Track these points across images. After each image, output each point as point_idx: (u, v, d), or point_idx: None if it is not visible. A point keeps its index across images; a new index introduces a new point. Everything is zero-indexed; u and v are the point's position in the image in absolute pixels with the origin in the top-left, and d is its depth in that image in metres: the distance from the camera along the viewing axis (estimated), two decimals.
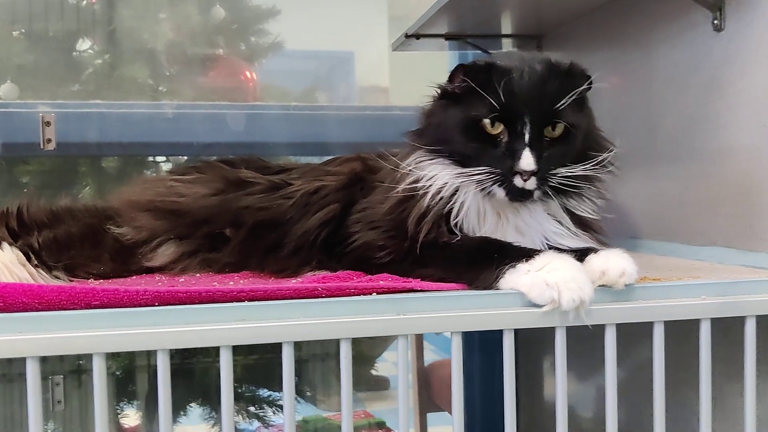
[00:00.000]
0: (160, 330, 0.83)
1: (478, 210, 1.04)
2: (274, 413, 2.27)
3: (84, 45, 2.25)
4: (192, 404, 2.18)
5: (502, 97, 0.98)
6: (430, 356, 2.68)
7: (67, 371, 1.93)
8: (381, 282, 0.95)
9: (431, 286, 0.95)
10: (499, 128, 1.00)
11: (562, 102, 1.00)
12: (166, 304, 0.85)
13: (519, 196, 1.00)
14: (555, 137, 1.01)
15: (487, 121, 1.00)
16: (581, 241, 1.06)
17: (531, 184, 0.99)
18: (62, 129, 1.82)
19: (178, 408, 2.20)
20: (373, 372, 3.42)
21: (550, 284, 0.88)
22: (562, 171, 1.01)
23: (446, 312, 0.90)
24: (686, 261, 1.25)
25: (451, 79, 1.05)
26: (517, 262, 0.92)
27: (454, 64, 2.12)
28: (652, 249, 1.39)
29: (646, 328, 0.96)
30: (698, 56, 1.27)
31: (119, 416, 2.18)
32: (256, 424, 2.30)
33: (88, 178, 2.07)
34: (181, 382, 2.16)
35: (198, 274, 1.13)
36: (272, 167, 1.30)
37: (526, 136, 0.98)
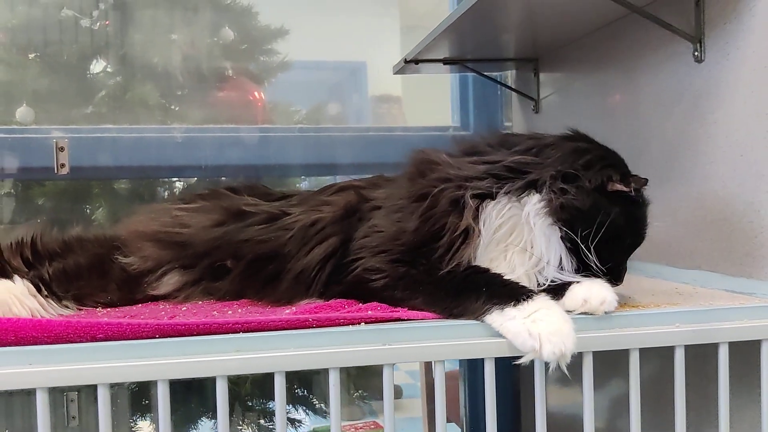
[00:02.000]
0: (160, 362, 0.89)
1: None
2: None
3: (97, 68, 2.33)
4: (203, 418, 2.25)
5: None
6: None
7: (82, 387, 2.00)
8: (369, 312, 1.00)
9: (417, 315, 1.00)
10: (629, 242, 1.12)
11: None
12: (167, 336, 0.91)
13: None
14: None
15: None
16: (569, 275, 1.09)
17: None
18: (75, 154, 1.89)
19: (190, 421, 2.27)
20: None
21: (533, 335, 0.91)
22: None
23: (430, 342, 0.95)
24: (671, 284, 1.29)
25: (636, 188, 1.12)
26: (505, 304, 0.95)
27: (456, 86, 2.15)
28: (642, 270, 1.43)
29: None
30: (681, 85, 1.32)
31: (133, 430, 2.26)
32: None
33: (101, 199, 2.14)
34: (193, 396, 2.23)
35: (200, 302, 1.19)
36: (274, 194, 1.36)
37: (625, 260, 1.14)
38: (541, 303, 0.95)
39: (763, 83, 1.13)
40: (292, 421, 2.37)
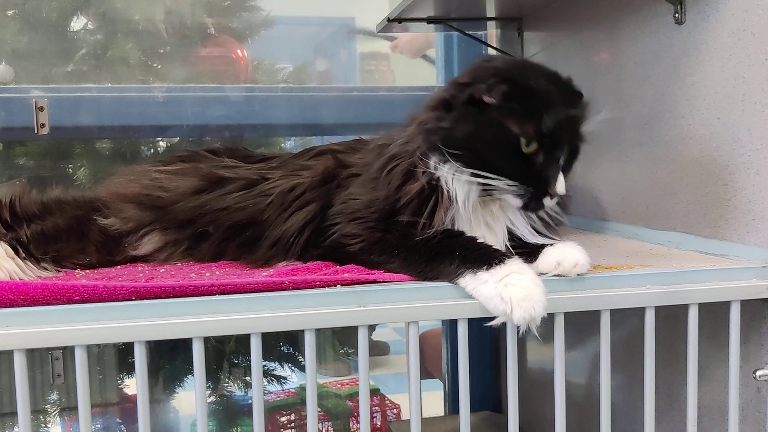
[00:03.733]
0: (136, 323, 0.90)
1: (464, 202, 1.07)
2: (268, 382, 2.36)
3: (77, 25, 2.29)
4: (189, 376, 2.27)
5: (548, 124, 1.04)
6: (423, 322, 2.76)
7: (68, 350, 2.02)
8: (345, 274, 1.01)
9: (393, 277, 1.01)
10: (534, 148, 1.05)
11: (583, 131, 1.12)
12: (143, 298, 0.92)
13: (536, 209, 1.10)
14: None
15: (524, 140, 1.05)
16: (543, 238, 1.11)
17: (553, 202, 1.09)
18: (55, 113, 1.87)
19: (177, 379, 2.30)
20: (372, 338, 3.50)
21: (504, 299, 0.93)
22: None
23: (404, 303, 0.96)
24: (646, 245, 1.31)
25: (489, 89, 1.05)
26: (478, 269, 0.97)
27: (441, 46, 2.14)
28: (618, 231, 1.45)
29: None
30: (661, 47, 1.32)
31: (120, 386, 2.28)
32: (252, 392, 2.40)
33: (83, 159, 2.12)
34: (179, 355, 2.25)
35: (179, 263, 1.20)
36: (254, 156, 1.36)
37: (561, 162, 1.07)
38: (513, 267, 0.96)
39: (742, 47, 1.13)
40: (278, 378, 2.39)
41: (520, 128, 1.04)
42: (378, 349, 3.89)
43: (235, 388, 2.36)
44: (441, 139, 1.07)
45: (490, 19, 1.91)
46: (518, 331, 0.95)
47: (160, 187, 1.26)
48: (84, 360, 0.90)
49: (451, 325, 2.29)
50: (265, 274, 1.06)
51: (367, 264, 1.07)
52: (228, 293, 0.94)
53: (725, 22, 1.16)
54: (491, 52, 1.96)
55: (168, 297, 0.93)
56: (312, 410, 0.95)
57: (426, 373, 2.55)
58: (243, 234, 1.17)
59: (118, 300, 0.91)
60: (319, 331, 2.48)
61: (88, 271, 1.17)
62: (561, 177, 1.06)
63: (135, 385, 2.16)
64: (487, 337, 2.11)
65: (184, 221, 1.22)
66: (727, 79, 1.16)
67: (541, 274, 1.01)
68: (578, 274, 1.01)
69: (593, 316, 1.02)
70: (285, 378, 2.41)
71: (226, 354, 2.26)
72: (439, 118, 1.09)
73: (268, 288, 0.96)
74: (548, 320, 0.99)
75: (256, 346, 0.94)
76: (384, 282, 0.99)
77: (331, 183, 1.19)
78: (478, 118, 1.06)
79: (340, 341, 2.70)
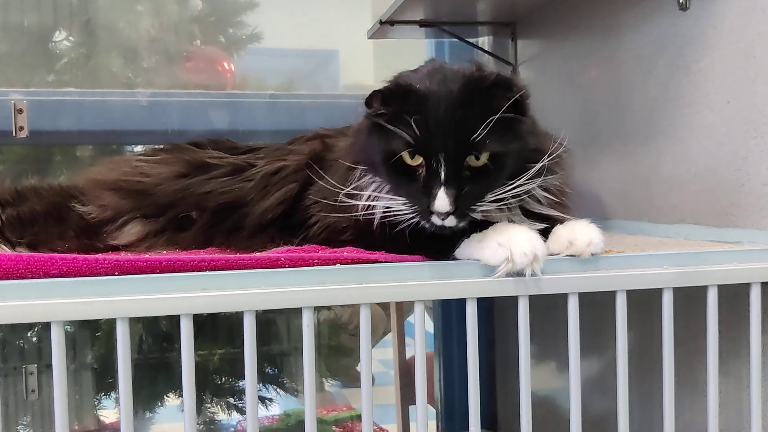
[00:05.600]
0: (119, 298, 0.82)
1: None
2: None
3: (60, 36, 2.24)
4: (170, 393, 2.17)
5: (416, 131, 0.91)
6: (411, 351, 2.69)
7: (43, 365, 1.92)
8: (345, 253, 0.95)
9: (396, 258, 0.94)
10: (419, 160, 0.93)
11: (480, 133, 0.91)
12: (127, 274, 0.85)
13: (441, 230, 0.93)
14: (479, 166, 0.93)
15: (405, 153, 0.94)
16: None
17: (450, 221, 0.91)
18: (35, 117, 1.81)
19: (156, 398, 2.19)
20: (357, 369, 3.39)
21: (501, 243, 0.89)
22: (489, 197, 0.95)
23: (408, 281, 0.90)
24: (654, 239, 1.26)
25: (368, 103, 0.97)
26: (471, 233, 0.93)
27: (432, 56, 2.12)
28: (623, 228, 1.40)
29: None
30: (665, 36, 1.28)
31: (97, 409, 2.17)
32: (237, 416, 2.30)
33: (63, 166, 2.05)
34: (159, 374, 2.15)
35: (164, 251, 1.13)
36: (240, 148, 1.30)
37: (442, 174, 0.90)
38: (503, 224, 0.94)
39: (751, 26, 1.09)
40: (263, 400, 2.30)
41: (396, 141, 0.93)
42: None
43: (219, 412, 2.25)
44: (351, 152, 1.05)
45: (483, 23, 1.89)
46: (524, 274, 0.89)
47: (140, 173, 1.20)
48: (61, 338, 0.81)
49: (445, 346, 2.21)
50: (258, 254, 0.99)
51: (365, 248, 1.00)
52: (219, 269, 0.87)
53: (733, 3, 1.13)
54: (484, 57, 1.93)
55: (154, 272, 0.85)
56: (310, 396, 0.88)
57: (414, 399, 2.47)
58: (229, 218, 1.11)
59: (99, 274, 0.84)
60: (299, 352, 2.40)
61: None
62: (441, 193, 0.90)
63: (115, 409, 2.06)
64: (482, 354, 2.04)
65: (165, 205, 1.16)
66: (736, 61, 1.12)
67: (551, 255, 0.95)
68: (592, 254, 0.95)
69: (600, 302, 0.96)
70: (270, 399, 2.32)
71: (210, 372, 2.16)
72: (357, 132, 1.06)
73: (262, 265, 0.89)
74: (561, 302, 0.94)
75: (249, 326, 0.86)
76: (386, 262, 0.93)
77: (316, 166, 1.12)
78: (370, 135, 1.00)
79: (328, 369, 2.61)
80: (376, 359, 4.03)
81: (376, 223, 0.99)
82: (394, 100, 0.95)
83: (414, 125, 0.91)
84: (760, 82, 1.08)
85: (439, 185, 0.90)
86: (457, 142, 0.91)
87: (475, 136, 0.91)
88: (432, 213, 0.91)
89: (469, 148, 0.92)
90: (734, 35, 1.13)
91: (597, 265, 0.95)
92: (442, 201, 0.89)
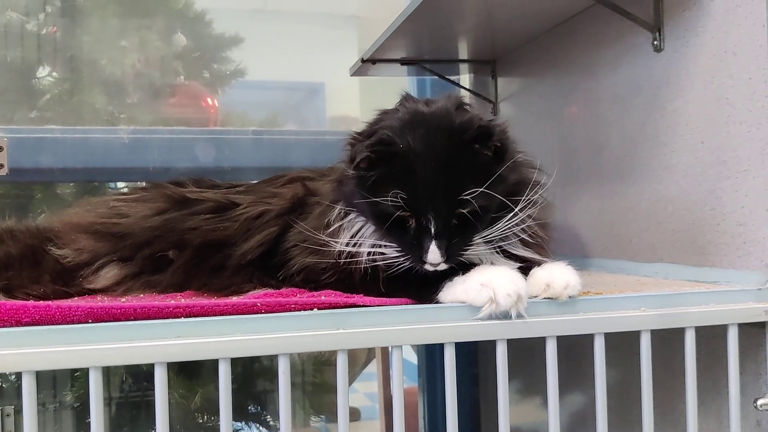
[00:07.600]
0: (92, 347, 0.81)
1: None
2: None
3: (44, 72, 2.24)
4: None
5: (406, 195, 0.95)
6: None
7: (21, 406, 1.88)
8: (323, 297, 0.94)
9: (374, 301, 0.94)
10: (407, 213, 0.96)
11: (467, 189, 0.95)
12: (100, 321, 0.84)
13: (432, 272, 0.97)
14: (465, 213, 0.96)
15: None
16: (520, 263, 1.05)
17: (442, 267, 0.95)
18: (15, 154, 1.80)
19: None
20: None
21: (484, 284, 0.90)
22: (477, 239, 0.99)
23: (387, 326, 0.90)
24: (633, 277, 1.26)
25: (355, 163, 0.99)
26: (453, 277, 0.94)
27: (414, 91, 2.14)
28: (602, 267, 1.40)
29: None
30: (640, 77, 1.30)
31: None
32: None
33: (43, 204, 2.04)
34: (141, 413, 2.12)
35: (141, 295, 1.12)
36: (221, 186, 1.30)
37: (432, 230, 0.94)
38: (485, 267, 0.95)
39: (723, 68, 1.11)
40: None
41: (384, 197, 0.95)
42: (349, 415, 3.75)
43: None
44: (344, 201, 1.05)
45: (464, 61, 1.90)
46: (509, 315, 0.90)
47: (117, 214, 1.19)
48: (33, 388, 0.80)
49: (428, 380, 2.20)
50: (235, 299, 0.98)
51: (344, 291, 1.00)
52: (194, 316, 0.87)
53: (705, 45, 1.15)
54: (465, 94, 1.94)
55: (128, 320, 0.85)
56: None
57: None
58: (212, 257, 1.10)
59: (73, 322, 0.83)
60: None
61: (42, 302, 1.08)
62: (433, 246, 0.94)
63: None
64: (466, 389, 2.03)
65: (142, 243, 1.15)
66: (709, 102, 1.14)
67: (529, 297, 0.95)
68: (569, 296, 0.95)
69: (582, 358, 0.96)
70: None
71: (190, 411, 2.13)
72: (342, 179, 1.06)
73: (238, 311, 0.88)
74: (539, 345, 0.94)
75: (224, 374, 0.85)
76: (364, 306, 0.93)
77: (298, 211, 1.15)
78: (356, 188, 1.01)
79: (312, 406, 2.58)
80: (361, 393, 3.99)
81: (362, 266, 1.00)
82: (381, 163, 0.98)
83: (403, 190, 0.95)
84: (733, 123, 1.10)
85: (430, 239, 0.95)
86: (445, 200, 0.95)
87: (462, 194, 0.95)
88: (425, 263, 0.95)
89: (457, 205, 0.95)
90: (707, 77, 1.15)
91: (575, 307, 0.95)
92: (434, 254, 0.94)
